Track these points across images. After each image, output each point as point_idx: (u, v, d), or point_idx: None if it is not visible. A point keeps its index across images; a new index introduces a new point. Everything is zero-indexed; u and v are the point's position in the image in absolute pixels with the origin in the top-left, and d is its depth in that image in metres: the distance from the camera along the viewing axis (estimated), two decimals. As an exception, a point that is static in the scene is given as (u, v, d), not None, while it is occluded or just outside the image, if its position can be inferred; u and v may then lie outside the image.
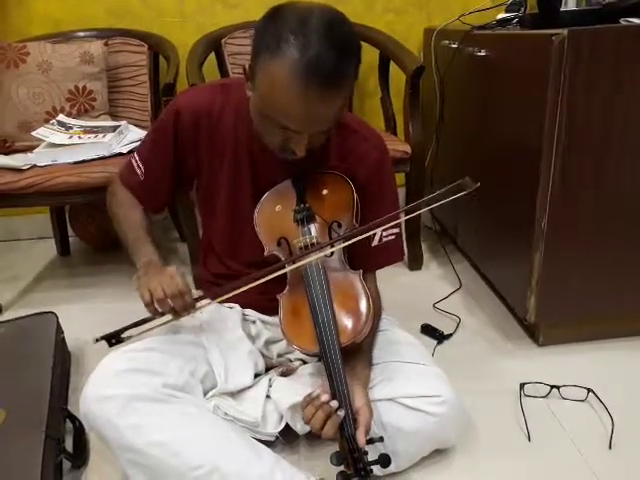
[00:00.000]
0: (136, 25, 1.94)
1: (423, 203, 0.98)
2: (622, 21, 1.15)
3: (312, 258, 0.94)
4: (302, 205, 1.00)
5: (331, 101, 0.83)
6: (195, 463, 0.86)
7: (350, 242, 0.96)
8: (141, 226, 1.07)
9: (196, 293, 0.94)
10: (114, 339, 0.92)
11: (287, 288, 0.99)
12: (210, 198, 1.09)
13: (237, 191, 1.05)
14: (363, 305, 0.94)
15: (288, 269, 0.95)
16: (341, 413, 0.85)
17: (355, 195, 1.01)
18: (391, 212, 1.02)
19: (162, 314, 0.91)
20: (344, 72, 0.82)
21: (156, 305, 0.89)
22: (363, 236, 0.95)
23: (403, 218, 1.04)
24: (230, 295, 0.94)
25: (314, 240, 0.98)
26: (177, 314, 0.92)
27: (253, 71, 0.86)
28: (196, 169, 1.07)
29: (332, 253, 0.99)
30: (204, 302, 0.94)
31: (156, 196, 1.10)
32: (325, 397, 0.86)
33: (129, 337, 0.92)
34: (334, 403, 0.85)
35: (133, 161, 1.09)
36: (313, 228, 0.99)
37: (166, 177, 1.07)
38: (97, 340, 0.91)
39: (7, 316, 1.56)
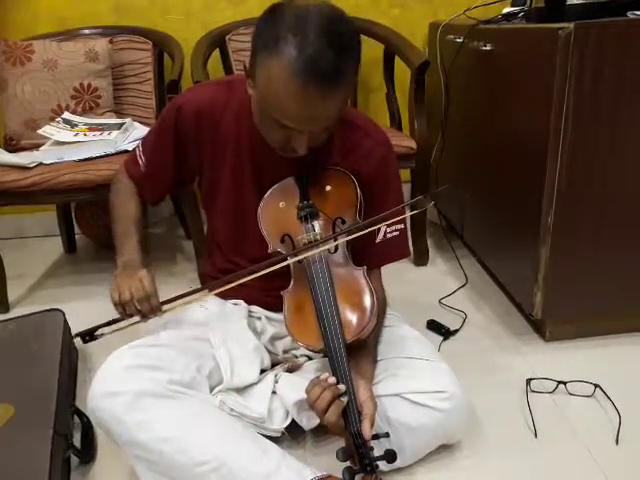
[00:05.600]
0: (141, 22, 1.94)
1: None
2: (629, 14, 1.14)
3: (314, 251, 0.94)
4: (305, 202, 1.00)
5: (330, 99, 0.82)
6: (201, 459, 0.86)
7: (353, 236, 0.96)
8: (133, 219, 1.08)
9: (163, 297, 0.96)
10: (87, 336, 0.96)
11: (291, 285, 0.99)
12: (213, 195, 1.09)
13: (240, 188, 1.06)
14: (367, 301, 0.94)
15: (290, 261, 0.96)
16: (344, 399, 0.85)
17: (359, 192, 1.01)
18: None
19: (130, 315, 0.94)
20: (343, 70, 0.81)
21: (124, 306, 0.93)
22: (367, 231, 0.95)
23: (408, 214, 1.04)
24: (229, 287, 0.95)
25: (318, 237, 0.97)
26: (144, 316, 0.94)
27: (252, 69, 0.86)
28: (198, 165, 1.07)
29: (336, 249, 0.99)
30: (170, 305, 0.96)
31: (155, 188, 1.12)
32: (332, 379, 0.86)
33: (101, 335, 0.96)
34: (342, 387, 0.86)
35: (137, 151, 1.11)
36: (317, 225, 0.99)
37: (166, 171, 1.08)
38: (72, 337, 0.97)
39: (14, 313, 1.57)
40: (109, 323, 0.95)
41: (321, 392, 0.86)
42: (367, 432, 0.84)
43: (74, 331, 1.36)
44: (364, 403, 0.88)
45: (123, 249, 1.03)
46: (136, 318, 0.95)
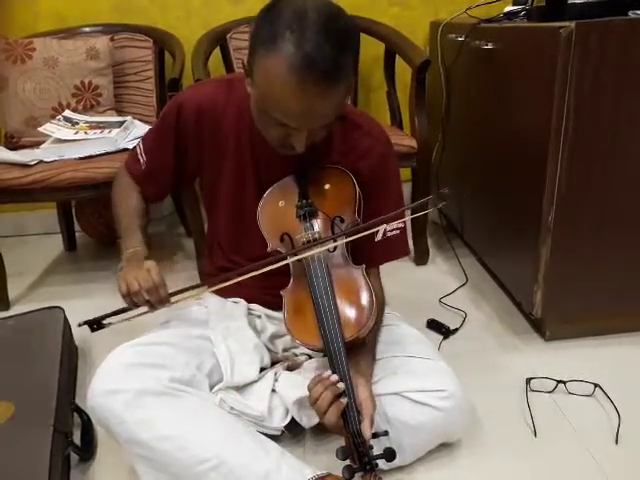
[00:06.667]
0: (142, 20, 1.94)
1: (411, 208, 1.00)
2: (630, 13, 1.14)
3: (313, 252, 0.94)
4: (304, 201, 1.00)
5: (328, 96, 0.82)
6: (202, 457, 0.86)
7: (352, 238, 0.96)
8: (135, 213, 1.08)
9: (172, 287, 0.96)
10: (95, 324, 0.95)
11: (291, 284, 1.00)
12: (213, 193, 1.09)
13: (240, 187, 1.06)
14: (366, 299, 0.94)
15: (289, 260, 0.96)
16: (344, 400, 0.85)
17: (358, 190, 1.01)
18: (395, 207, 1.03)
19: (138, 306, 0.94)
20: (341, 67, 0.81)
21: (132, 297, 0.92)
22: (366, 232, 0.95)
23: (408, 215, 1.04)
24: (227, 284, 0.95)
25: (316, 235, 0.98)
26: (152, 307, 0.94)
27: (251, 67, 0.86)
28: (198, 164, 1.07)
29: (335, 249, 0.99)
30: (179, 297, 0.96)
31: (156, 186, 1.11)
32: (334, 377, 0.86)
33: (109, 324, 0.95)
34: (342, 385, 0.86)
35: (138, 149, 1.11)
36: (316, 223, 0.99)
37: (167, 169, 1.08)
38: (80, 325, 0.94)
39: (15, 310, 1.57)
40: (117, 312, 0.95)
41: (323, 391, 0.86)
42: (367, 433, 0.84)
43: (74, 329, 1.37)
44: (363, 402, 0.88)
45: (127, 243, 1.02)
46: (144, 309, 0.94)
